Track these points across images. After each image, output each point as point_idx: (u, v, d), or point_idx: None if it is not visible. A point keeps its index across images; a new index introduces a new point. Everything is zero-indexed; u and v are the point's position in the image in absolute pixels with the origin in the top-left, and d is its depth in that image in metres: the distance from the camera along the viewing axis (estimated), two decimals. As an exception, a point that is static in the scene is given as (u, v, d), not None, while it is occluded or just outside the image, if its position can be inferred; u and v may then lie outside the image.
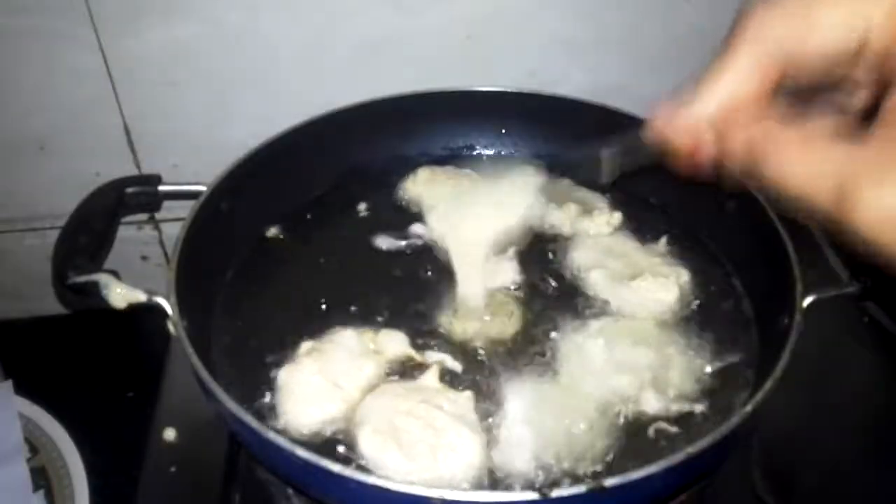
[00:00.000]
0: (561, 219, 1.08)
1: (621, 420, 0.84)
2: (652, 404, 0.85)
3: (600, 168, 0.72)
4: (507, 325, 0.95)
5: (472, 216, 1.03)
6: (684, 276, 1.00)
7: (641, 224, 1.09)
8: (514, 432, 0.82)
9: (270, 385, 0.87)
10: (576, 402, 0.86)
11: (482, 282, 0.98)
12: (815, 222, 0.45)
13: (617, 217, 1.08)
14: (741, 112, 0.49)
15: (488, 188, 1.06)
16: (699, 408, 0.86)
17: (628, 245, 1.05)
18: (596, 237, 1.06)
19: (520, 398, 0.85)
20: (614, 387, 0.87)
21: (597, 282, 0.99)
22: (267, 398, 0.86)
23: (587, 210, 1.09)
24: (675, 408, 0.85)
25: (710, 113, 0.50)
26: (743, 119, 0.49)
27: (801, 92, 0.51)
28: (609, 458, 0.81)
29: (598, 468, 0.80)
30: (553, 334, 0.93)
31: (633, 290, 0.97)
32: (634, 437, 0.83)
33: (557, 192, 1.11)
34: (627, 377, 0.87)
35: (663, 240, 1.06)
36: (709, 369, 0.90)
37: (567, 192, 1.12)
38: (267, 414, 0.85)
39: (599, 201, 1.11)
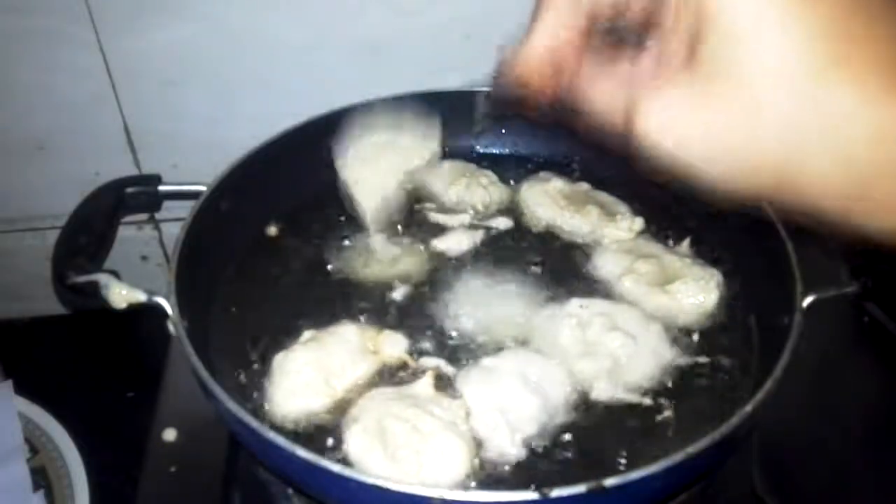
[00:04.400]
0: (582, 224, 1.07)
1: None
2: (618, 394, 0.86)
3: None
4: (417, 264, 1.03)
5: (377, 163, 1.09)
6: (718, 277, 0.98)
7: (659, 227, 1.08)
8: (487, 421, 0.82)
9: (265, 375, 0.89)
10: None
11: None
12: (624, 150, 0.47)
13: (639, 222, 1.06)
14: (565, 51, 0.52)
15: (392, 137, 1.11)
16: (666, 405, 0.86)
17: (654, 248, 1.03)
18: (619, 242, 1.04)
19: (476, 389, 0.85)
20: (579, 369, 0.88)
21: (630, 289, 0.97)
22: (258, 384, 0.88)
23: (608, 215, 1.07)
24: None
25: (541, 52, 0.53)
26: (568, 58, 0.52)
27: (622, 39, 0.53)
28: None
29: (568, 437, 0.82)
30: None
31: (671, 294, 0.95)
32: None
33: (576, 197, 1.10)
34: (592, 362, 0.88)
35: (686, 242, 1.04)
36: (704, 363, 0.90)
37: (585, 197, 1.10)
38: (256, 399, 0.87)
39: (620, 206, 1.10)
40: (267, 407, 0.85)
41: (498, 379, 0.85)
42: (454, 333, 0.94)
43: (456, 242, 1.06)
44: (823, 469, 0.95)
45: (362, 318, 0.95)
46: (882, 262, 0.91)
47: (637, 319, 0.93)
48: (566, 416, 0.84)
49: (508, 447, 0.80)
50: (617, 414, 0.85)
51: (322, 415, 0.84)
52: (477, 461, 0.80)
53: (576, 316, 0.92)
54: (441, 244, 1.06)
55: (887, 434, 0.99)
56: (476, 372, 0.87)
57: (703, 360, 0.90)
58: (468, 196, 1.10)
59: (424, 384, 0.85)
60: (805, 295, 0.85)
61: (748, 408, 0.74)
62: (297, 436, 0.83)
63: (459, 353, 0.91)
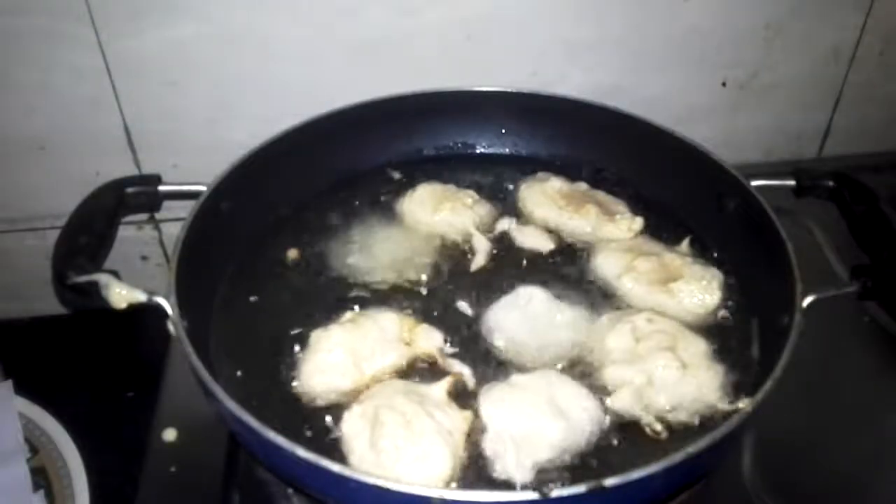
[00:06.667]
0: (581, 224, 1.06)
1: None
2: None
3: None
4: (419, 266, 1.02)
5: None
6: (720, 277, 0.98)
7: (659, 226, 1.07)
8: (496, 441, 0.81)
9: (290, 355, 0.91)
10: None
11: None
12: None
13: (639, 222, 1.06)
14: None
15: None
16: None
17: (654, 247, 1.03)
18: (618, 241, 1.04)
19: (495, 406, 0.84)
20: (609, 374, 0.87)
21: (630, 287, 0.97)
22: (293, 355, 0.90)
23: (607, 214, 1.07)
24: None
25: None
26: None
27: None
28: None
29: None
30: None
31: (672, 293, 0.95)
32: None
33: (575, 197, 1.10)
34: (625, 371, 0.86)
35: (685, 242, 1.04)
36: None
37: (584, 197, 1.10)
38: (287, 369, 0.89)
39: (619, 205, 1.10)
40: (295, 381, 0.87)
41: (522, 398, 0.83)
42: (466, 333, 0.94)
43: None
44: (823, 469, 0.95)
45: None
46: (882, 262, 0.91)
47: (700, 353, 0.89)
48: (586, 445, 0.81)
49: (513, 470, 0.78)
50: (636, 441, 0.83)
51: (345, 395, 0.85)
52: (458, 471, 0.79)
53: (633, 324, 0.90)
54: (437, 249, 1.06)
55: (887, 434, 0.99)
56: (500, 388, 0.85)
57: (744, 404, 0.81)
58: (457, 220, 1.07)
59: (439, 388, 0.85)
60: (805, 295, 0.85)
61: (748, 408, 0.74)
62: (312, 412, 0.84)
63: (488, 360, 0.91)
